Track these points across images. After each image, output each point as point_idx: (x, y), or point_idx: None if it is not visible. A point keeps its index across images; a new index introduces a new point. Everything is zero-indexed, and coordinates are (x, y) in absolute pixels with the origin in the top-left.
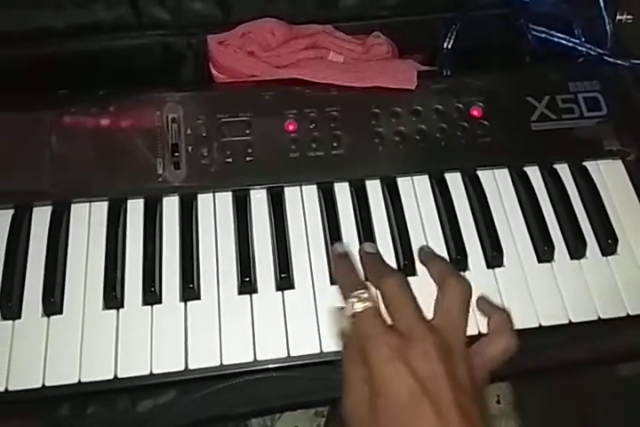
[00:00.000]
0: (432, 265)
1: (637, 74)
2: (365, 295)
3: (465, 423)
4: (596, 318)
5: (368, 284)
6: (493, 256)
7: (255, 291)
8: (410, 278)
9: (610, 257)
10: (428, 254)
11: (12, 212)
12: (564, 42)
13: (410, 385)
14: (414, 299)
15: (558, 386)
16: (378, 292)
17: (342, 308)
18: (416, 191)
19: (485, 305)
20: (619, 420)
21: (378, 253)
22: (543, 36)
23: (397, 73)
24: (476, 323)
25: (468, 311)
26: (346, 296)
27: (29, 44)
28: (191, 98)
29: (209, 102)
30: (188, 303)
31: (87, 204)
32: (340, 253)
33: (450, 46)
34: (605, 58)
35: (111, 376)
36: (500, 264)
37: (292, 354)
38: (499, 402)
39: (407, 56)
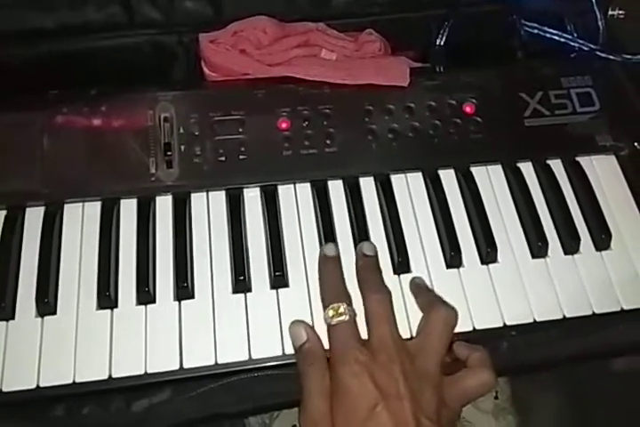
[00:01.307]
0: (421, 294)
1: (629, 69)
2: (342, 309)
3: None
4: (590, 312)
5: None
6: (487, 252)
7: (249, 289)
8: (403, 276)
9: (603, 252)
10: (418, 285)
11: (4, 212)
12: (556, 37)
13: (371, 401)
14: (393, 318)
15: (555, 381)
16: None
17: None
18: (410, 188)
19: (463, 347)
20: (615, 414)
21: (376, 255)
22: (535, 31)
23: (390, 70)
24: (471, 319)
25: (449, 338)
26: (325, 305)
27: (20, 44)
28: (183, 97)
29: (201, 101)
30: (182, 302)
31: (80, 204)
32: (328, 256)
33: (442, 43)
34: (597, 53)
35: (106, 376)
36: (494, 260)
37: (286, 352)
38: (496, 398)
39: (400, 53)
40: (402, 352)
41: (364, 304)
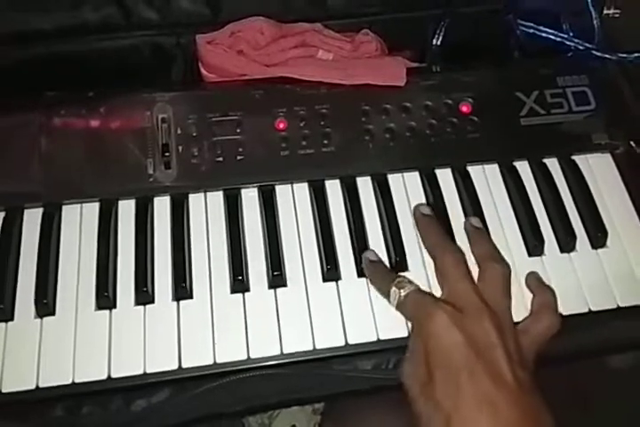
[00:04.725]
0: (476, 244)
1: (625, 68)
2: (404, 281)
3: (520, 389)
4: (586, 310)
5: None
6: None
7: (247, 289)
8: (402, 274)
9: (600, 250)
10: (475, 232)
11: (2, 214)
12: (552, 37)
13: (465, 351)
14: (470, 274)
15: (554, 379)
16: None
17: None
18: (407, 187)
19: (533, 282)
20: (615, 410)
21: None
22: (531, 31)
23: (386, 70)
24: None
25: (509, 292)
26: (386, 292)
27: (18, 45)
28: (181, 98)
29: (199, 102)
30: (181, 302)
31: (78, 205)
32: (371, 260)
33: (439, 43)
34: (593, 52)
35: (105, 376)
36: None
37: (285, 351)
38: None
39: (396, 53)
40: (487, 305)
41: (436, 267)
